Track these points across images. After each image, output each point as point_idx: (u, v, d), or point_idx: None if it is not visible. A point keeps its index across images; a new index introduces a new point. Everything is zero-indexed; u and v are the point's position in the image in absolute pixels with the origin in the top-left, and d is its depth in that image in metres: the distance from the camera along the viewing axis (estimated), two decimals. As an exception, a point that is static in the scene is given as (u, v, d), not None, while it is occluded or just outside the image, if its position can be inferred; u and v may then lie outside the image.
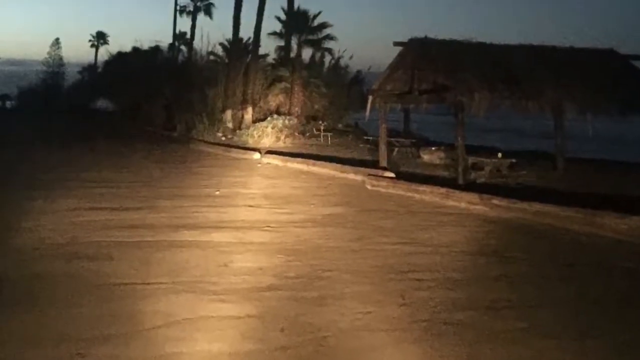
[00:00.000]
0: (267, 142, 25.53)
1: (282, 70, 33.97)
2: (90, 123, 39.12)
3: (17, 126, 35.83)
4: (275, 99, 33.42)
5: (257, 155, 21.15)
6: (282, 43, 36.35)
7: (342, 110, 34.04)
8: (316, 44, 34.65)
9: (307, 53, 35.15)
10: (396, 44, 17.76)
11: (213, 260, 8.51)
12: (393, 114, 20.86)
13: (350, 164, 17.97)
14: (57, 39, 64.16)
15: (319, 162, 18.39)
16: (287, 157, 20.05)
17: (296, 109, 31.20)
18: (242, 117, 30.48)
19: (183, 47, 48.98)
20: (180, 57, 46.41)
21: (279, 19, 35.95)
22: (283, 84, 33.18)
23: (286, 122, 27.91)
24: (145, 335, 5.96)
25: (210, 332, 6.07)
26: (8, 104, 57.89)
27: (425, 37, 17.33)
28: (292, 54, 34.34)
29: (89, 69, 62.76)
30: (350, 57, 37.24)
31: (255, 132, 26.96)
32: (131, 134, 30.88)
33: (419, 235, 10.34)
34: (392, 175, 15.96)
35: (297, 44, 33.68)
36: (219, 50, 39.03)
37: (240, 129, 29.24)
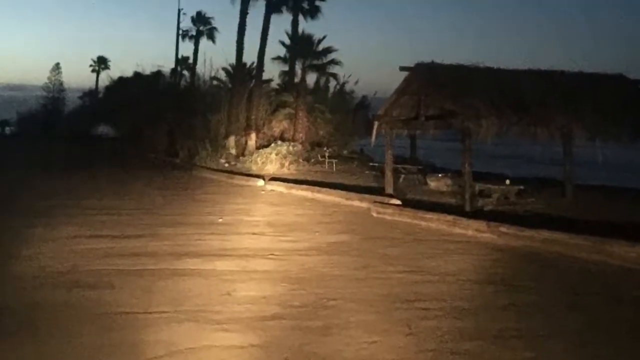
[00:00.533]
0: (271, 168, 25.63)
1: (286, 96, 34.10)
2: (91, 149, 39.31)
3: (16, 152, 36.07)
4: (279, 125, 33.54)
5: (260, 182, 21.24)
6: (286, 68, 36.61)
7: (348, 136, 34.16)
8: (321, 69, 34.88)
9: (311, 78, 35.47)
10: (402, 68, 17.80)
11: (216, 289, 8.55)
12: (399, 140, 20.94)
13: (355, 191, 18.04)
14: (58, 64, 64.89)
15: (323, 189, 18.46)
16: (291, 184, 20.14)
17: (300, 135, 31.35)
18: (246, 143, 30.61)
19: (185, 72, 49.33)
20: (182, 82, 46.68)
21: (283, 43, 36.27)
22: (287, 110, 33.30)
23: (290, 148, 28.07)
24: (147, 365, 6.00)
25: (213, 362, 6.10)
26: (7, 130, 58.25)
27: (432, 62, 17.37)
28: (297, 79, 34.57)
29: (90, 94, 63.29)
30: (356, 82, 37.41)
31: (259, 159, 27.08)
32: (133, 160, 31.02)
33: (426, 263, 10.37)
34: (398, 202, 16.01)
35: (302, 69, 33.95)
36: (222, 75, 39.30)
37: (243, 155, 29.37)
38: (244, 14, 32.12)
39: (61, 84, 63.76)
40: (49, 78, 63.51)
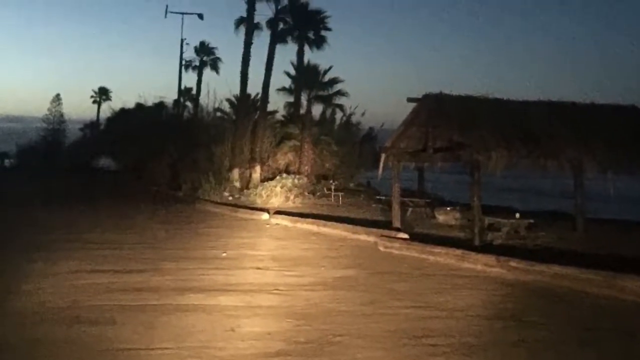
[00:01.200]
0: (276, 202, 25.70)
1: (292, 128, 34.24)
2: (93, 182, 39.50)
3: (16, 185, 36.22)
4: (284, 157, 33.64)
5: (265, 216, 21.32)
6: (291, 99, 36.71)
7: (354, 168, 34.27)
8: (327, 100, 35.07)
9: (317, 109, 35.58)
10: (410, 100, 17.94)
11: (220, 325, 8.59)
12: (407, 172, 21.03)
13: (362, 224, 18.11)
14: (58, 95, 65.37)
15: (329, 223, 18.51)
16: (296, 218, 20.21)
17: (306, 167, 31.44)
18: (250, 176, 30.71)
19: (188, 103, 49.60)
20: (185, 114, 46.93)
21: (288, 74, 36.44)
22: (292, 142, 33.43)
23: (296, 181, 28.13)
24: (150, 402, 6.05)
25: (216, 399, 6.14)
26: (7, 162, 58.48)
27: (440, 93, 17.45)
28: (302, 111, 34.67)
29: (91, 126, 63.66)
30: (362, 114, 37.59)
31: (263, 192, 27.14)
32: (135, 193, 31.13)
33: (434, 298, 10.40)
34: (405, 236, 16.05)
35: (307, 100, 34.10)
36: (226, 106, 39.54)
37: (248, 188, 29.44)
38: (248, 44, 32.48)
39: (61, 115, 64.17)
40: (49, 109, 63.97)
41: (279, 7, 34.07)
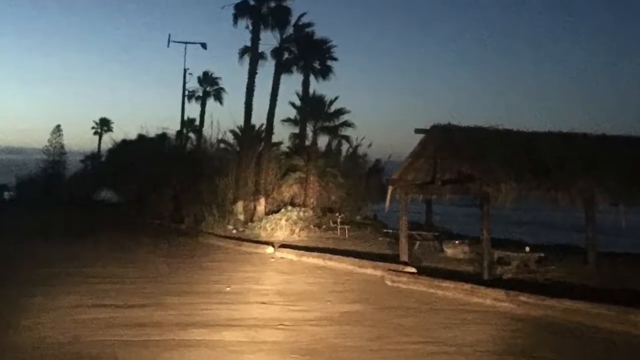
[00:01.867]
0: (281, 235, 25.74)
1: (297, 159, 34.17)
2: (94, 215, 39.56)
3: (16, 218, 36.36)
4: (289, 190, 33.62)
5: (270, 249, 21.38)
6: (296, 130, 36.59)
7: (360, 201, 34.21)
8: (333, 131, 35.06)
9: (323, 141, 35.49)
10: (418, 131, 17.98)
11: (223, 361, 8.63)
12: (414, 205, 21.09)
13: (369, 258, 18.16)
14: (58, 126, 65.49)
15: (335, 257, 18.55)
16: (302, 251, 20.27)
17: (311, 200, 31.44)
18: (255, 208, 30.72)
19: (192, 134, 49.43)
20: (188, 145, 46.83)
21: (293, 104, 36.26)
22: (298, 174, 33.40)
23: (301, 214, 28.18)
24: None
25: None
26: (6, 194, 58.53)
27: (449, 124, 17.52)
28: (308, 142, 34.61)
29: (92, 158, 63.70)
30: (369, 145, 37.49)
31: (268, 225, 27.19)
32: (137, 226, 31.21)
33: (442, 334, 10.44)
34: (413, 270, 16.10)
35: (313, 131, 34.10)
36: (230, 137, 39.41)
37: (252, 221, 29.45)
38: (252, 74, 32.48)
39: (62, 146, 64.29)
40: (49, 141, 64.11)
41: (284, 37, 33.98)
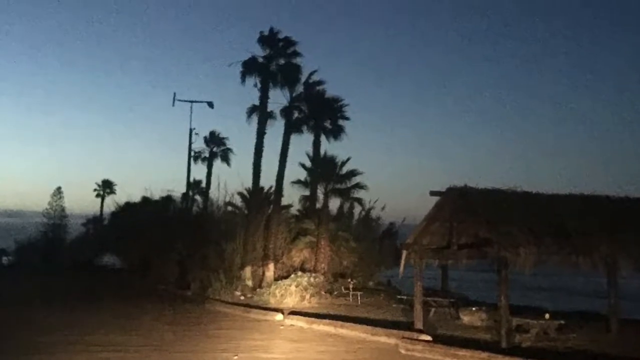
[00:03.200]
0: (291, 301, 25.73)
1: (307, 223, 34.19)
2: (96, 281, 39.68)
3: (15, 284, 36.49)
4: (299, 254, 33.60)
5: (279, 317, 21.43)
6: (307, 192, 36.55)
7: (374, 266, 34.21)
8: (345, 194, 35.08)
9: (334, 203, 35.55)
10: (433, 193, 18.17)
11: None
12: (430, 270, 21.14)
13: (382, 325, 18.22)
14: (59, 188, 65.79)
15: (347, 324, 18.61)
16: (312, 319, 20.33)
17: (323, 265, 31.41)
18: (263, 274, 30.68)
19: (198, 197, 49.54)
20: (194, 208, 46.99)
21: (303, 166, 36.16)
22: (308, 238, 33.41)
23: (312, 279, 28.16)
24: None
25: None
26: (5, 259, 58.63)
27: (465, 186, 17.72)
28: (318, 205, 34.56)
29: (94, 221, 63.90)
30: (383, 208, 37.55)
31: (277, 291, 27.16)
32: (141, 292, 31.29)
33: (458, 404, 10.49)
34: (428, 338, 16.13)
35: (324, 194, 34.11)
36: (238, 200, 39.50)
37: (260, 287, 29.43)
38: (261, 133, 32.63)
39: (63, 209, 64.48)
40: (49, 203, 64.35)
41: (294, 95, 34.09)
